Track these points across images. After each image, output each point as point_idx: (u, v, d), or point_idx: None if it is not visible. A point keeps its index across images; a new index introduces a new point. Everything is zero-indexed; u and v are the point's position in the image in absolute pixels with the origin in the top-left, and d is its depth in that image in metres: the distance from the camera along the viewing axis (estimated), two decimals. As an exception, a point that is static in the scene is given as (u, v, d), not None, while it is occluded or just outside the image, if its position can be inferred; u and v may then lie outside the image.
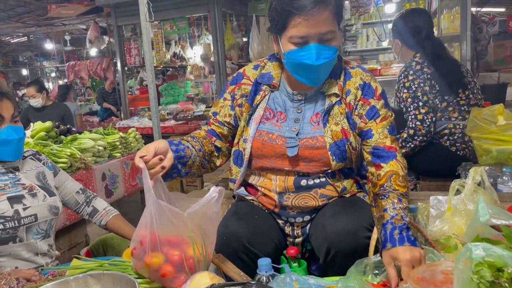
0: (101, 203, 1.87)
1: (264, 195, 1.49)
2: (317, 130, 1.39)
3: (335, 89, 1.38)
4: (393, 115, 1.43)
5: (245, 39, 6.56)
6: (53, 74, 11.76)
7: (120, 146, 3.88)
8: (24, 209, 1.59)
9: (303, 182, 1.42)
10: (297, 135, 1.39)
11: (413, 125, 2.25)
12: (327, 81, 1.39)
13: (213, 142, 1.50)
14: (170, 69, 7.78)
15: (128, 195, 3.90)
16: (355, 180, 1.48)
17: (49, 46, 8.34)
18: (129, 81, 8.87)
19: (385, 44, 7.00)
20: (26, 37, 9.01)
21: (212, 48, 6.09)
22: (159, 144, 1.26)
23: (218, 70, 5.96)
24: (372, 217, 1.39)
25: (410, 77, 2.27)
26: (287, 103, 1.45)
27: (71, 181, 1.86)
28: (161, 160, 1.21)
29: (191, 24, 6.32)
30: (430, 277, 0.91)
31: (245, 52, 6.58)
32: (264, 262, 1.28)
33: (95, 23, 6.46)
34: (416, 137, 2.24)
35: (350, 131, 1.39)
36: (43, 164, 1.79)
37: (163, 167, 1.21)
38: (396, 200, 1.27)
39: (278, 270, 1.33)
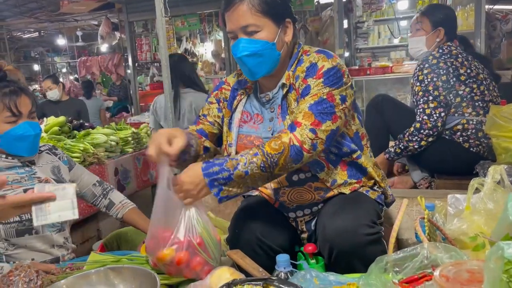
0: (117, 196, 1.88)
1: (262, 192, 1.52)
2: (281, 124, 1.40)
3: (284, 79, 1.39)
4: (334, 90, 1.31)
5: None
6: (64, 70, 11.84)
7: (132, 142, 3.90)
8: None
9: (295, 177, 1.43)
10: (272, 134, 1.41)
11: (420, 119, 2.23)
12: (285, 73, 1.41)
13: (202, 142, 1.53)
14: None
15: (140, 190, 3.92)
16: (345, 167, 1.44)
17: (61, 41, 8.40)
18: (138, 77, 8.89)
19: (396, 41, 6.95)
20: (37, 32, 9.08)
21: (223, 44, 6.10)
22: (179, 139, 1.27)
23: (228, 66, 5.96)
24: (375, 213, 1.40)
25: (425, 71, 2.25)
26: (261, 106, 1.48)
27: (88, 174, 1.88)
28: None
29: (202, 20, 6.33)
30: (455, 275, 0.90)
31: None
32: (282, 258, 1.28)
33: (106, 19, 6.49)
34: (422, 131, 2.22)
35: None
36: (59, 158, 1.81)
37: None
38: (251, 151, 1.25)
39: (295, 266, 1.33)
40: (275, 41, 1.34)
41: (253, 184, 1.26)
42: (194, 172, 1.21)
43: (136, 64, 6.41)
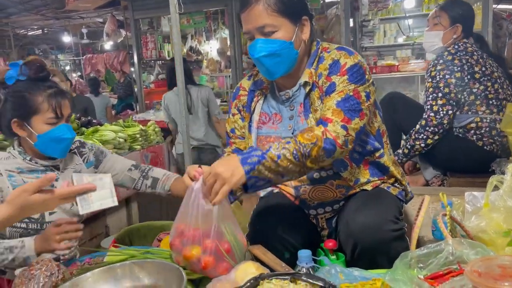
0: (158, 172, 1.80)
1: (282, 190, 1.52)
2: (304, 122, 1.40)
3: (306, 77, 1.39)
4: (359, 87, 1.31)
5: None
6: (67, 67, 11.85)
7: (140, 139, 3.91)
8: (50, 213, 1.60)
9: (316, 175, 1.42)
10: (293, 133, 1.41)
11: (426, 116, 2.24)
12: (305, 71, 1.40)
13: None
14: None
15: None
16: (367, 167, 1.44)
17: (66, 39, 8.40)
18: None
19: (401, 40, 6.94)
20: (41, 30, 9.08)
21: (228, 42, 6.09)
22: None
23: (234, 64, 5.96)
24: (397, 209, 1.40)
25: (438, 67, 2.25)
26: (279, 105, 1.47)
27: (121, 162, 1.81)
28: None
29: (208, 18, 6.33)
30: (487, 270, 0.90)
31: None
32: (304, 254, 1.28)
33: (112, 16, 6.49)
34: (427, 128, 2.22)
35: None
36: (84, 160, 1.76)
37: None
38: (283, 140, 1.26)
39: (316, 263, 1.33)
40: (292, 40, 1.34)
41: (286, 174, 1.24)
42: (226, 158, 1.22)
43: (142, 61, 6.41)
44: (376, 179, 1.44)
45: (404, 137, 2.48)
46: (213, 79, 7.40)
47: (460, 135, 2.26)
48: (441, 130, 2.21)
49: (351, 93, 1.29)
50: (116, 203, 1.13)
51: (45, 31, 9.23)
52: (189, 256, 1.16)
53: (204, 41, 6.91)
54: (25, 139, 1.58)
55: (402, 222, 1.33)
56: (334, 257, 1.38)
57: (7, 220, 1.07)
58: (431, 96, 2.24)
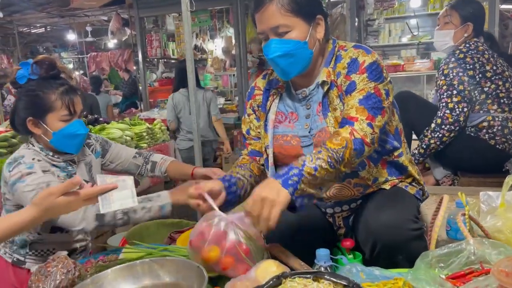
0: (157, 156, 1.91)
1: None
2: (323, 121, 1.39)
3: (324, 76, 1.38)
4: (379, 85, 1.30)
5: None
6: (70, 65, 11.84)
7: (146, 137, 3.92)
8: None
9: None
10: (309, 132, 1.41)
11: (441, 114, 2.22)
12: (322, 70, 1.40)
13: (258, 161, 1.53)
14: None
15: (154, 185, 3.93)
16: (385, 166, 1.43)
17: (70, 37, 8.40)
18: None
19: (405, 39, 6.92)
20: (44, 28, 9.08)
21: (233, 41, 6.08)
22: (214, 184, 1.35)
23: (239, 63, 5.95)
24: (416, 208, 1.39)
25: (451, 65, 2.24)
26: (295, 103, 1.46)
27: (125, 150, 1.89)
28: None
29: (213, 17, 6.32)
30: (514, 270, 0.90)
31: (266, 45, 6.55)
32: (323, 253, 1.27)
33: (117, 15, 6.49)
34: (443, 126, 2.21)
35: None
36: (92, 151, 1.80)
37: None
38: (314, 151, 1.24)
39: (333, 261, 1.32)
40: (306, 40, 1.33)
41: (323, 183, 1.24)
42: (266, 182, 1.18)
43: (147, 60, 6.41)
44: (394, 178, 1.43)
45: (414, 136, 2.47)
46: (217, 78, 7.40)
47: (472, 134, 2.25)
48: (457, 128, 2.20)
49: (372, 91, 1.29)
50: (136, 203, 1.14)
51: (48, 29, 9.23)
52: (208, 257, 1.16)
53: (209, 40, 6.91)
54: (40, 136, 1.60)
55: (421, 222, 1.32)
56: (351, 256, 1.38)
57: (32, 221, 1.11)
58: (445, 93, 2.22)
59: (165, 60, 6.98)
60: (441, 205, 1.31)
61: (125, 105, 7.43)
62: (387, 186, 1.42)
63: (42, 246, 1.64)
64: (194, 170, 1.77)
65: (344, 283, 0.98)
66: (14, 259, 1.63)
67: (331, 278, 0.99)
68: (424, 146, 2.28)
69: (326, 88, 1.38)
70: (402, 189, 1.43)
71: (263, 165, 1.53)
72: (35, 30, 9.31)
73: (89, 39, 7.97)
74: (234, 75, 6.88)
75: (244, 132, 1.58)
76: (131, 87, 7.32)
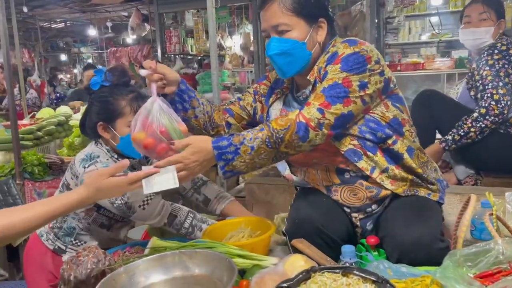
0: (212, 191, 1.89)
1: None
2: None
3: (310, 75, 1.40)
4: (352, 76, 1.29)
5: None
6: (89, 60, 11.99)
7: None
8: None
9: (346, 174, 1.43)
10: None
11: (486, 104, 2.14)
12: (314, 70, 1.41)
13: (225, 118, 1.59)
14: (207, 57, 7.82)
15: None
16: (382, 153, 1.40)
17: (91, 32, 8.51)
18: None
19: (424, 37, 6.84)
20: (64, 23, 9.21)
21: (252, 37, 6.09)
22: (172, 73, 1.42)
23: (257, 59, 5.95)
24: (441, 219, 1.40)
25: (495, 56, 2.19)
26: (300, 105, 1.48)
27: None
28: (161, 81, 1.39)
29: (232, 13, 6.33)
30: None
31: (284, 42, 6.55)
32: (348, 249, 1.29)
33: (137, 10, 6.54)
34: (487, 117, 2.14)
35: None
36: (148, 162, 1.83)
37: (164, 84, 1.40)
38: (258, 128, 1.29)
39: (358, 258, 1.33)
40: (305, 41, 1.36)
41: (261, 163, 1.28)
42: (204, 145, 1.25)
43: (165, 55, 6.46)
44: (393, 166, 1.40)
45: (438, 135, 2.44)
46: (235, 74, 7.42)
47: (502, 131, 2.19)
48: (500, 120, 2.13)
49: (340, 81, 1.29)
50: (177, 185, 1.21)
51: (68, 24, 9.36)
52: (134, 139, 1.29)
53: (227, 36, 6.93)
54: (108, 140, 1.67)
55: (447, 240, 1.33)
56: (376, 253, 1.38)
57: (81, 201, 1.17)
58: (491, 84, 2.16)
59: (182, 56, 7.02)
60: (469, 205, 1.31)
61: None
62: (399, 190, 1.41)
63: (86, 238, 1.70)
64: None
65: (373, 278, 0.99)
66: (56, 247, 1.69)
67: (360, 274, 1.00)
68: (462, 133, 2.20)
69: (310, 87, 1.40)
70: (425, 198, 1.43)
71: (228, 123, 1.59)
72: (55, 25, 9.45)
73: (109, 34, 8.08)
74: (251, 71, 6.89)
75: (236, 98, 1.66)
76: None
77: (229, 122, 1.59)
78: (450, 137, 2.25)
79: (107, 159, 1.64)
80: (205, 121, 1.54)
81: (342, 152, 1.37)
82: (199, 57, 7.83)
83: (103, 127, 1.65)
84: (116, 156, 1.69)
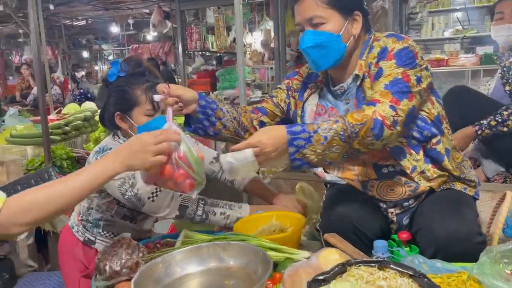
0: None
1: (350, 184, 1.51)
2: None
3: (356, 70, 1.39)
4: (408, 71, 1.29)
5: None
6: (110, 57, 12.18)
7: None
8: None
9: (384, 169, 1.42)
10: None
11: None
12: (358, 63, 1.40)
13: (258, 117, 1.57)
14: (227, 54, 7.85)
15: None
16: (423, 154, 1.40)
17: (113, 29, 8.64)
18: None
19: (448, 34, 6.71)
20: (85, 21, 9.36)
21: (272, 34, 6.09)
22: (187, 92, 1.37)
23: (278, 56, 5.94)
24: (477, 214, 1.37)
25: None
26: (335, 99, 1.48)
27: (206, 152, 1.92)
28: (177, 104, 1.33)
29: (252, 10, 6.34)
30: None
31: (304, 39, 6.54)
32: (381, 244, 1.29)
33: (159, 7, 6.62)
34: None
35: None
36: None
37: (180, 107, 1.37)
38: (333, 119, 1.25)
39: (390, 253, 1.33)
40: (340, 33, 1.35)
41: (331, 157, 1.24)
42: (279, 130, 1.23)
43: (186, 52, 6.52)
44: (429, 166, 1.40)
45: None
46: (255, 71, 7.44)
47: None
48: None
49: (400, 76, 1.28)
50: (257, 168, 1.21)
51: (89, 22, 9.52)
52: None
53: (247, 33, 6.95)
54: (126, 130, 1.69)
55: (484, 234, 1.32)
56: (407, 249, 1.38)
57: (104, 164, 1.10)
58: None
59: (206, 52, 7.08)
60: (504, 202, 1.29)
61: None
62: (434, 185, 1.40)
63: (113, 229, 1.74)
64: (274, 200, 1.78)
65: (410, 272, 0.99)
66: (86, 238, 1.73)
67: (397, 268, 1.00)
68: (499, 120, 2.13)
69: (359, 81, 1.39)
70: (462, 192, 1.42)
71: (262, 122, 1.56)
72: (77, 23, 9.63)
73: (131, 31, 8.19)
74: (271, 68, 6.89)
75: (267, 96, 1.63)
76: (166, 77, 7.47)
77: (263, 121, 1.57)
78: (485, 122, 2.17)
79: None
80: (235, 128, 1.51)
81: (388, 149, 1.36)
82: (219, 54, 7.87)
83: (120, 117, 1.66)
84: None
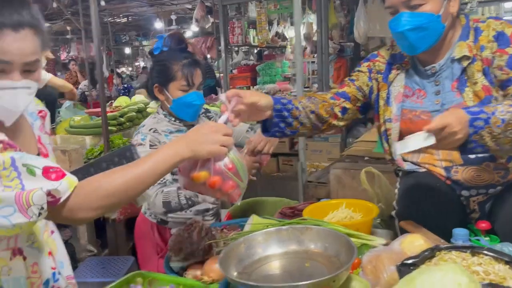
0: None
1: (431, 170, 1.46)
2: (460, 97, 1.36)
3: (465, 51, 1.34)
4: None
5: (345, 19, 6.42)
6: (151, 53, 12.45)
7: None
8: None
9: (472, 155, 1.35)
10: (442, 106, 1.37)
11: None
12: (456, 45, 1.35)
13: (340, 103, 1.51)
14: (267, 49, 7.86)
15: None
16: None
17: (158, 25, 8.82)
18: (216, 62, 9.10)
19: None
20: (126, 18, 9.59)
21: (315, 27, 6.04)
22: (262, 99, 1.32)
23: (320, 49, 5.89)
24: None
25: None
26: (423, 80, 1.43)
27: (240, 125, 1.98)
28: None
29: (295, 3, 6.31)
30: None
31: (346, 32, 6.44)
32: (461, 232, 1.26)
33: (201, 3, 6.68)
34: None
35: (491, 86, 1.33)
36: (214, 120, 1.95)
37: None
38: (507, 103, 1.18)
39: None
40: (440, 13, 1.31)
41: (503, 141, 1.18)
42: (460, 113, 1.16)
43: (228, 47, 6.57)
44: None
45: None
46: (295, 65, 7.39)
47: None
48: None
49: None
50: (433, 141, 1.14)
51: (130, 19, 9.76)
52: (197, 178, 1.12)
53: (289, 26, 6.92)
54: (164, 102, 1.80)
55: None
56: (487, 238, 1.34)
57: (173, 147, 1.08)
58: None
59: (248, 47, 7.12)
60: None
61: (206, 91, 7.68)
62: None
63: (181, 213, 1.79)
64: None
65: (506, 259, 0.96)
66: (159, 220, 1.81)
67: (491, 254, 0.98)
68: None
69: (466, 63, 1.35)
70: None
71: (344, 108, 1.51)
72: (119, 20, 9.89)
73: (173, 27, 8.34)
74: (313, 62, 6.84)
75: (346, 79, 1.58)
76: (207, 72, 7.54)
77: (345, 107, 1.52)
78: None
79: (150, 129, 1.75)
80: (312, 123, 1.48)
81: None
82: (259, 49, 7.88)
83: (159, 89, 1.77)
84: (173, 119, 1.81)
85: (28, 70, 1.03)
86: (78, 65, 8.42)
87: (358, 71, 1.56)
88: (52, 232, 1.28)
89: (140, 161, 1.10)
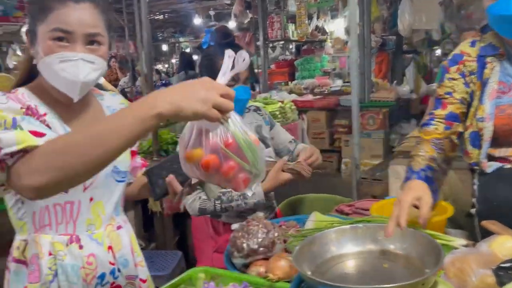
0: (300, 147, 1.97)
1: None
2: None
3: None
4: None
5: (388, 12, 6.23)
6: (187, 50, 12.57)
7: (279, 116, 4.03)
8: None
9: None
10: None
11: None
12: None
13: (454, 129, 1.40)
14: (305, 43, 7.75)
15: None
16: None
17: (197, 21, 8.88)
18: (252, 58, 9.03)
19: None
20: (162, 15, 9.70)
21: (357, 20, 5.89)
22: (427, 204, 1.20)
23: (362, 43, 5.74)
24: None
25: None
26: None
27: (284, 133, 2.01)
28: None
29: (336, -4, 6.19)
30: None
31: (389, 25, 6.26)
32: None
33: (240, -2, 6.67)
34: None
35: None
36: (263, 118, 1.95)
37: None
38: None
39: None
40: None
41: None
42: None
43: (267, 42, 6.52)
44: None
45: None
46: (335, 60, 7.26)
47: None
48: None
49: None
50: None
51: (166, 17, 9.86)
52: (189, 157, 0.88)
53: (329, 20, 6.79)
54: None
55: None
56: None
57: (145, 102, 0.83)
58: None
59: (287, 41, 7.03)
60: None
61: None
62: None
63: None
64: None
65: None
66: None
67: None
68: None
69: None
70: None
71: (459, 133, 1.40)
72: (157, 17, 10.02)
73: (212, 22, 8.36)
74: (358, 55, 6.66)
75: (441, 93, 1.43)
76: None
77: (460, 131, 1.41)
78: None
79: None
80: (446, 171, 1.41)
81: None
82: (297, 43, 7.79)
83: None
84: None
85: (92, 43, 1.05)
86: (118, 62, 8.59)
87: (451, 79, 1.42)
88: (119, 227, 1.25)
89: (110, 115, 1.02)
